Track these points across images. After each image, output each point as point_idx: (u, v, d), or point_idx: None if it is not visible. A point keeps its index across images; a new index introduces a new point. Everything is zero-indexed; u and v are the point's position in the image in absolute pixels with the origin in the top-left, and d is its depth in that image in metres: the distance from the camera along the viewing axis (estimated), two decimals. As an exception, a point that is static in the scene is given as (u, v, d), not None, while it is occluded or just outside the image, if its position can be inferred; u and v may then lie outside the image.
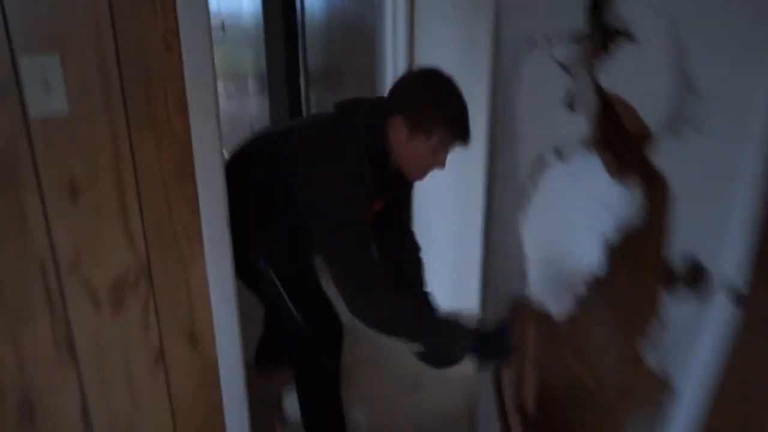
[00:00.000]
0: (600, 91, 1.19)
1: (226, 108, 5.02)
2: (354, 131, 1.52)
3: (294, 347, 1.82)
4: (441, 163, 1.58)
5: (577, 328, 1.62)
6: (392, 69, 2.66)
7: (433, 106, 1.49)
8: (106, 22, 1.19)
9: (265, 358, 2.41)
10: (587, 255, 1.28)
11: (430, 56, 2.57)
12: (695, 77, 0.94)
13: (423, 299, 1.85)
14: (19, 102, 1.17)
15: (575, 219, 1.33)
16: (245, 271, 1.65)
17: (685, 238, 1.01)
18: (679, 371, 1.03)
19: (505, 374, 1.79)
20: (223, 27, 5.23)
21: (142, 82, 1.26)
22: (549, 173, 1.38)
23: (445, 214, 2.81)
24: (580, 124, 1.27)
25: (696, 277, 0.97)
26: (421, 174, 1.63)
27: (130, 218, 1.33)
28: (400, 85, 1.56)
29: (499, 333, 1.58)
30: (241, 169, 1.69)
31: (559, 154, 1.36)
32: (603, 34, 1.15)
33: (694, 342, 0.99)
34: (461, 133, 1.53)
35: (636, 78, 1.10)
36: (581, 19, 1.21)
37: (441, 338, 1.52)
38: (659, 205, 1.08)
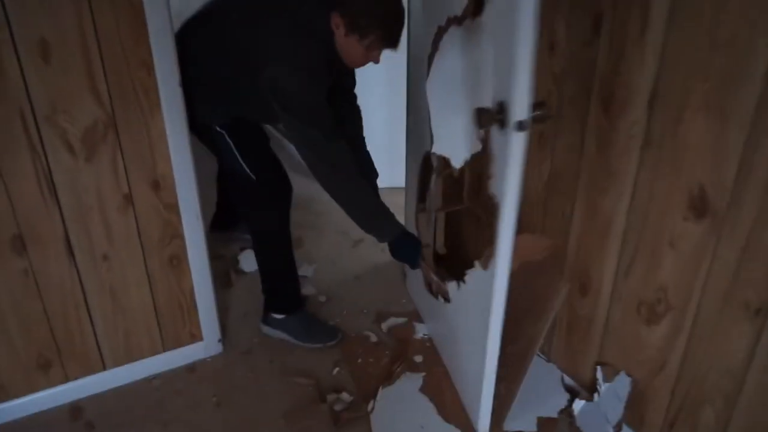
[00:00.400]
0: None
1: None
2: (311, 22, 1.66)
3: (248, 202, 2.06)
4: (375, 60, 1.72)
5: (469, 173, 1.96)
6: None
7: (368, 12, 1.60)
8: None
9: (219, 225, 2.68)
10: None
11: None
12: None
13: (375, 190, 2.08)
14: (-10, -34, 1.34)
15: (464, 77, 1.61)
16: (201, 129, 1.87)
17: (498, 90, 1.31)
18: (502, 193, 1.37)
19: (422, 222, 2.13)
20: None
21: (97, -50, 1.44)
22: (445, 38, 1.63)
23: (380, 97, 3.06)
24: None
25: (500, 115, 1.28)
26: (358, 65, 1.77)
27: (95, 76, 1.54)
28: None
29: (415, 243, 1.91)
30: (194, 36, 1.84)
31: (451, 20, 1.61)
32: None
33: (506, 165, 1.32)
34: (392, 41, 1.66)
35: None
36: None
37: (376, 222, 1.84)
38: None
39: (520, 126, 1.25)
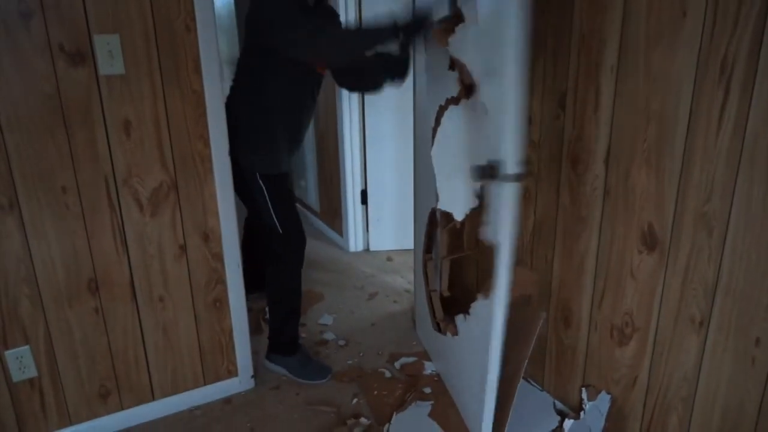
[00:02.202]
0: (452, 57, 1.84)
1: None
2: None
3: (270, 244, 2.38)
4: None
5: (469, 225, 2.29)
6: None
7: None
8: (149, 13, 1.79)
9: (247, 287, 3.00)
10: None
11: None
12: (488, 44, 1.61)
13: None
14: (93, 65, 1.76)
15: (462, 144, 1.98)
16: (241, 186, 2.24)
17: (489, 150, 1.68)
18: (498, 233, 1.70)
19: (430, 269, 2.45)
20: None
21: (171, 53, 1.86)
22: (446, 114, 2.02)
23: (390, 167, 3.45)
24: (455, 80, 1.91)
25: (493, 171, 1.62)
26: None
27: (163, 147, 1.93)
28: None
29: (419, 11, 2.04)
30: (234, 96, 2.22)
31: (447, 102, 2.01)
32: (455, 17, 1.79)
33: (499, 213, 1.66)
34: None
35: (465, 47, 1.75)
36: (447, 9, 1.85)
37: (377, 33, 1.93)
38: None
39: (513, 177, 1.58)
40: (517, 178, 1.56)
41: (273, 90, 2.14)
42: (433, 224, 2.35)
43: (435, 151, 2.09)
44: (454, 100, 1.96)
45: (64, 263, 1.90)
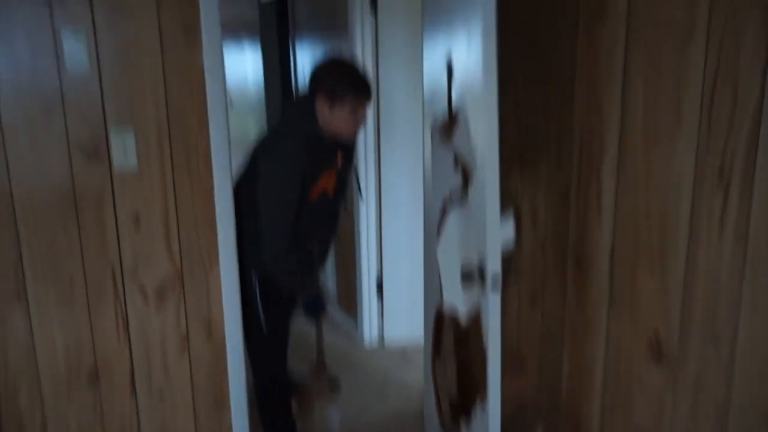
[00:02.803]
0: (456, 154, 1.86)
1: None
2: (294, 126, 2.10)
3: (253, 342, 2.32)
4: (362, 119, 2.10)
5: (474, 324, 2.24)
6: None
7: (338, 81, 2.02)
8: (163, 113, 1.88)
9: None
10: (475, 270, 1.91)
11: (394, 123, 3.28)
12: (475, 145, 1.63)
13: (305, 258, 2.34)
14: (107, 160, 1.84)
15: (466, 242, 1.97)
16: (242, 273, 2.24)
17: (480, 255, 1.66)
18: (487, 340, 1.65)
19: (438, 369, 2.38)
20: (231, 102, 6.01)
21: (184, 149, 1.93)
22: (450, 212, 2.02)
23: (406, 257, 3.44)
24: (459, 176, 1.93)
25: (480, 275, 1.60)
26: (353, 132, 2.11)
27: (171, 240, 1.97)
28: (315, 73, 2.08)
29: (321, 299, 2.27)
30: (240, 191, 2.20)
31: (452, 198, 2.01)
32: (451, 115, 1.83)
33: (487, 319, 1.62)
34: (361, 93, 2.05)
35: (461, 145, 1.77)
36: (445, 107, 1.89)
37: (299, 281, 2.18)
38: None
39: (494, 283, 1.57)
40: (496, 283, 1.53)
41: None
42: (440, 323, 2.30)
43: (440, 248, 2.07)
44: (457, 197, 1.97)
45: (66, 354, 1.91)
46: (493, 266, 1.55)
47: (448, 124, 1.86)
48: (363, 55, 3.21)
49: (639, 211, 1.57)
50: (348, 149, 2.24)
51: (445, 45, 1.91)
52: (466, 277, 1.68)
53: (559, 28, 1.81)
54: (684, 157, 1.44)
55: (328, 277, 4.09)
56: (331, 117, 2.05)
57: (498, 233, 1.54)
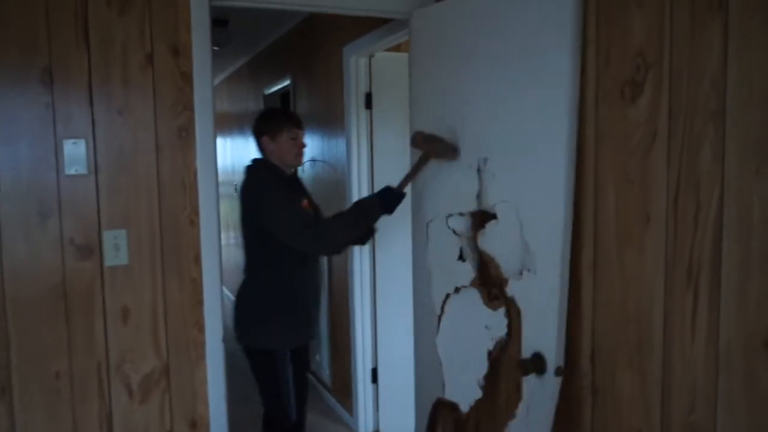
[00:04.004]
0: (478, 251, 1.91)
1: (234, 255, 5.80)
2: (265, 172, 2.39)
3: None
4: (300, 145, 2.44)
5: (476, 415, 2.21)
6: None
7: (271, 120, 2.43)
8: (156, 211, 1.95)
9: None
10: (478, 362, 1.91)
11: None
12: (528, 243, 1.68)
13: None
14: (99, 257, 1.89)
15: (468, 336, 1.98)
16: (255, 364, 2.31)
17: (530, 340, 1.68)
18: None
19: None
20: (236, 189, 6.17)
21: (174, 245, 1.99)
22: (450, 303, 2.04)
23: (401, 346, 3.42)
24: (468, 271, 1.96)
25: (539, 364, 1.62)
26: (298, 157, 2.46)
27: (158, 335, 1.99)
28: (254, 125, 2.47)
29: (389, 189, 2.24)
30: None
31: (456, 290, 2.04)
32: (482, 214, 1.88)
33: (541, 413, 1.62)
34: (292, 123, 2.43)
35: (498, 244, 1.82)
36: (473, 204, 1.94)
37: (359, 218, 2.22)
38: (516, 322, 1.77)
39: (557, 371, 1.60)
40: (559, 371, 1.55)
41: (274, 268, 2.31)
42: (437, 414, 2.26)
43: (440, 340, 2.09)
44: (463, 289, 2.00)
45: (48, 451, 1.88)
46: (557, 357, 1.60)
47: (477, 220, 1.91)
48: (359, 147, 3.33)
49: (616, 309, 1.59)
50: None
51: (473, 147, 1.97)
52: (524, 368, 1.70)
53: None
54: (655, 257, 1.48)
55: (324, 365, 4.04)
56: (275, 147, 2.40)
57: (561, 325, 1.60)
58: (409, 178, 2.16)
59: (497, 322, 1.89)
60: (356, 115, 3.32)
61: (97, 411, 1.93)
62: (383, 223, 3.19)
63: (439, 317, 2.12)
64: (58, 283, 1.86)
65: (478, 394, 1.94)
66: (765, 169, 1.22)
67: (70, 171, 1.86)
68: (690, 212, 1.38)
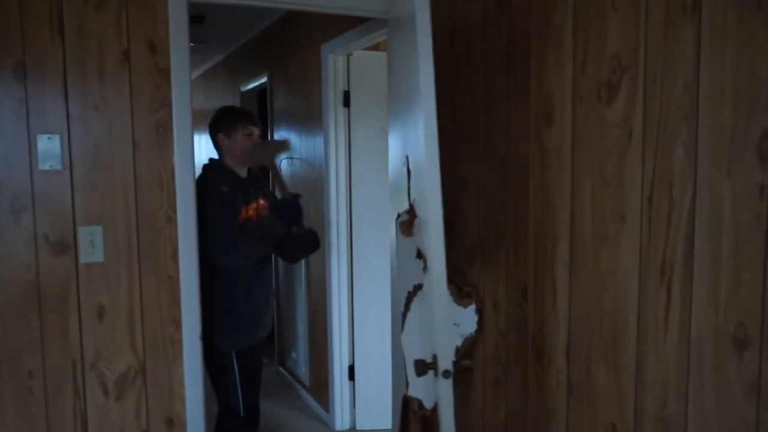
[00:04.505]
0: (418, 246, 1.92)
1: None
2: (212, 175, 2.35)
3: (230, 425, 2.38)
4: (254, 142, 2.42)
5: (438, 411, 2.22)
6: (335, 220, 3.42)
7: (225, 118, 2.43)
8: (133, 208, 1.93)
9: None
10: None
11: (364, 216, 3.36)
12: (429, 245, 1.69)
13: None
14: (74, 254, 1.86)
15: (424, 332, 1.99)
16: (209, 362, 2.26)
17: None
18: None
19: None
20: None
21: (151, 242, 1.97)
22: (414, 300, 2.05)
23: (378, 343, 3.43)
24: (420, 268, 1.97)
25: (432, 366, 1.63)
26: (247, 152, 2.40)
27: (135, 332, 1.97)
28: (210, 123, 2.46)
29: (291, 202, 2.31)
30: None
31: (416, 288, 2.05)
32: (411, 212, 1.89)
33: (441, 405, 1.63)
34: (246, 120, 2.42)
35: (423, 242, 1.84)
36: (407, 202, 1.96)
37: (262, 233, 2.25)
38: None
39: (444, 374, 1.59)
40: (447, 374, 1.56)
41: (222, 270, 2.29)
42: (407, 411, 2.27)
43: (405, 337, 2.09)
44: (421, 287, 2.01)
45: (20, 451, 1.85)
46: (445, 360, 1.58)
47: (409, 219, 1.92)
48: (337, 145, 3.33)
49: (591, 305, 1.63)
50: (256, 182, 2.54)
51: (402, 145, 2.00)
52: (418, 367, 1.69)
53: (514, 129, 1.92)
54: (629, 255, 1.51)
55: (300, 363, 4.04)
56: (231, 145, 2.39)
57: (447, 328, 1.58)
58: (281, 185, 2.44)
59: (467, 318, 1.91)
60: (334, 113, 3.32)
61: (71, 409, 1.90)
62: (362, 218, 3.19)
63: (404, 314, 2.12)
64: (31, 280, 1.83)
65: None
66: (736, 170, 1.26)
67: (45, 166, 1.82)
68: (663, 211, 1.42)
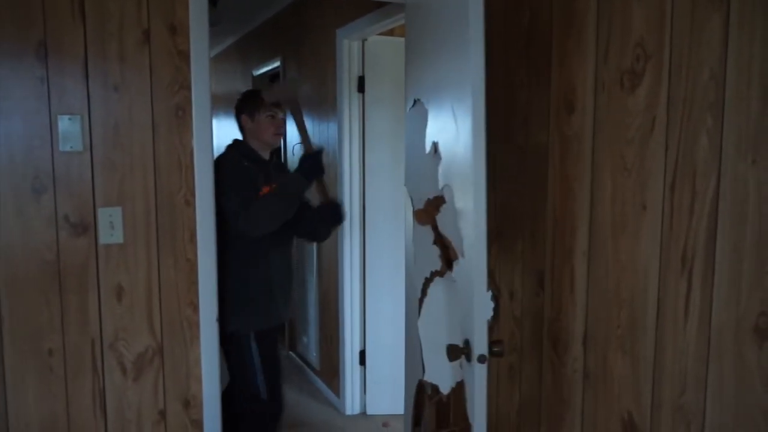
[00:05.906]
0: (441, 235, 1.92)
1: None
2: (233, 151, 2.41)
3: (250, 411, 2.38)
4: (279, 124, 2.44)
5: (455, 398, 2.24)
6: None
7: (250, 100, 2.44)
8: (152, 190, 1.94)
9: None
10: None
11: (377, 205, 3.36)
12: (461, 229, 1.68)
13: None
14: (94, 235, 1.88)
15: (450, 318, 2.00)
16: (227, 343, 2.27)
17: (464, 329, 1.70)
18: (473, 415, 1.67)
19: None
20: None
21: (170, 224, 1.98)
22: (431, 286, 2.06)
23: (390, 328, 3.45)
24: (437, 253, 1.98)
25: (466, 350, 1.63)
26: (276, 136, 2.45)
27: (153, 314, 1.99)
28: (236, 104, 2.50)
29: (314, 155, 2.35)
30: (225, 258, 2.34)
31: (435, 274, 2.06)
32: (437, 198, 1.89)
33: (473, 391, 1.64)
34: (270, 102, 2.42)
35: (448, 228, 1.83)
36: (434, 187, 1.95)
37: (286, 191, 2.26)
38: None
39: (480, 359, 1.59)
40: (483, 359, 1.56)
41: (238, 251, 2.28)
42: (421, 396, 2.29)
43: (421, 323, 2.10)
44: (438, 273, 2.02)
45: (41, 428, 1.88)
46: (480, 345, 1.59)
47: (434, 204, 1.93)
48: (351, 131, 3.33)
49: (609, 294, 1.63)
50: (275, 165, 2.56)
51: (430, 130, 2.00)
52: (451, 352, 1.70)
53: (533, 117, 1.91)
54: (649, 244, 1.51)
55: (311, 347, 4.06)
56: (254, 126, 2.40)
57: (485, 312, 1.58)
58: (304, 135, 2.44)
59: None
60: (348, 99, 3.31)
61: (90, 388, 1.92)
62: (375, 205, 3.18)
63: (421, 300, 2.13)
64: (52, 260, 1.85)
65: (459, 376, 1.95)
66: (761, 159, 1.25)
67: (65, 147, 1.83)
68: (686, 200, 1.41)
